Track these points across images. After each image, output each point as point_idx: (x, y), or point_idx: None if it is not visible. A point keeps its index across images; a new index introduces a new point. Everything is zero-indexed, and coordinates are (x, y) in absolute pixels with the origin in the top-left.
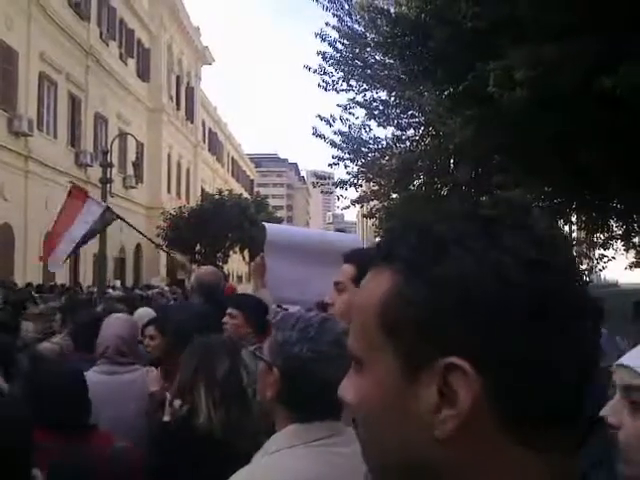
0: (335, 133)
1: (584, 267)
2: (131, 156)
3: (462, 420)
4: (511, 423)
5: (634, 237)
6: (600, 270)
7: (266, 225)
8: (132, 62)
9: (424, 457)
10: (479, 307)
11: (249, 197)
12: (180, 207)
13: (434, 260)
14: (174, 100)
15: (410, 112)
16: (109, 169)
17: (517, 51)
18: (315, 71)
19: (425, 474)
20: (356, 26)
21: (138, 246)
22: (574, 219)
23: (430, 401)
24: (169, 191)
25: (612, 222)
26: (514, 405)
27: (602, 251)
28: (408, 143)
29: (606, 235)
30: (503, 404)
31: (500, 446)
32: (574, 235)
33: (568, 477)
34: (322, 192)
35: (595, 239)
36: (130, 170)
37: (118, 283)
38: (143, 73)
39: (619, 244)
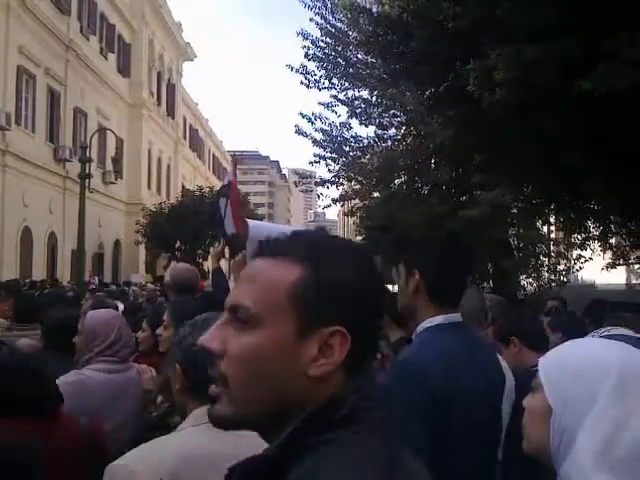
0: (317, 130)
1: (562, 267)
2: (111, 152)
3: (332, 367)
4: (351, 368)
5: (611, 238)
6: (577, 270)
7: (249, 222)
8: (113, 57)
9: (297, 388)
10: (351, 297)
11: None
12: (160, 203)
13: (329, 264)
14: (155, 96)
15: (392, 111)
16: (88, 164)
17: (497, 52)
18: (297, 70)
19: (292, 400)
20: (339, 24)
21: (117, 242)
22: (552, 219)
23: (312, 353)
24: (149, 187)
25: (589, 223)
26: (358, 359)
27: (579, 252)
28: (389, 142)
29: (583, 236)
30: (353, 358)
31: (341, 379)
32: (552, 235)
33: (365, 385)
34: (302, 191)
35: (573, 240)
36: (109, 166)
37: (96, 279)
38: (124, 68)
39: (596, 245)
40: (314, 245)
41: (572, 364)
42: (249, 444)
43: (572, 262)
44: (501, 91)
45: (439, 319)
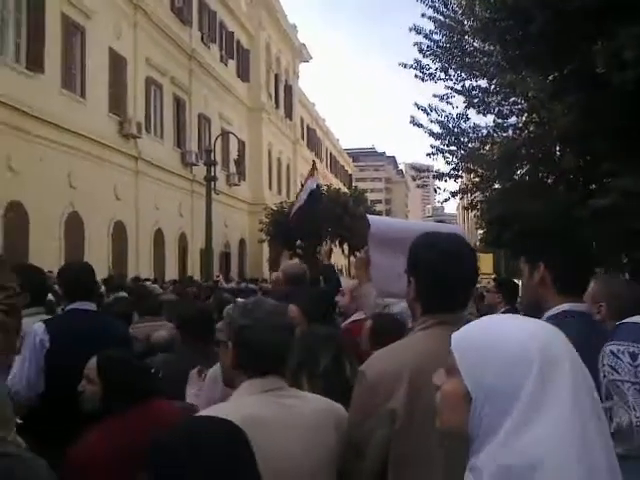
0: (432, 122)
1: None
2: (233, 155)
3: None
4: None
5: None
6: None
7: (369, 217)
8: (232, 63)
9: None
10: None
11: (347, 192)
12: (281, 203)
13: None
14: (273, 99)
15: (512, 99)
16: (213, 167)
17: (626, 30)
18: (411, 66)
19: None
20: (452, 14)
21: (242, 241)
22: None
23: None
24: (270, 187)
25: None
26: None
27: None
28: (510, 131)
29: None
30: None
31: None
32: None
33: None
34: (418, 186)
35: None
36: (233, 168)
37: (220, 277)
38: (243, 73)
39: None
40: None
41: (492, 353)
42: (290, 410)
43: None
44: (632, 70)
45: (565, 306)
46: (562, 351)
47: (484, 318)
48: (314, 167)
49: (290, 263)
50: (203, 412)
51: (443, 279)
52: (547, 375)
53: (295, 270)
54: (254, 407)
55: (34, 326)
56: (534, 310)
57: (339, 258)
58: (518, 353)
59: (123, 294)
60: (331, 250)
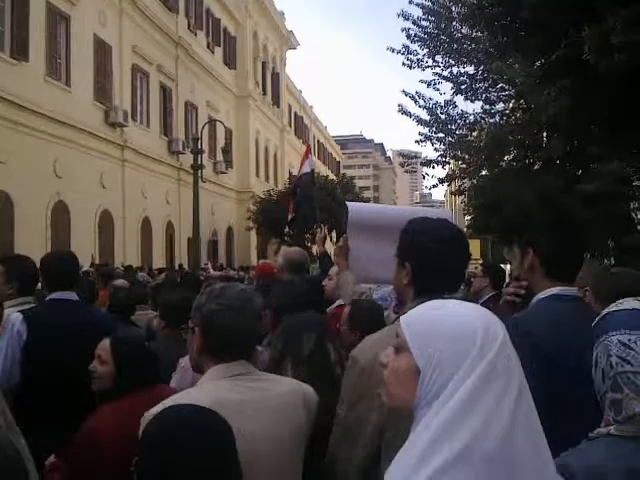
0: (420, 107)
1: None
2: (220, 142)
3: None
4: None
5: None
6: None
7: (348, 204)
8: (219, 50)
9: None
10: None
11: (335, 179)
12: (269, 190)
13: None
14: (260, 86)
15: (499, 85)
16: (200, 155)
17: (614, 15)
18: (399, 52)
19: None
20: (440, 1)
21: (229, 229)
22: None
23: None
24: (258, 175)
25: None
26: None
27: None
28: (498, 117)
29: None
30: None
31: None
32: None
33: None
34: (406, 172)
35: None
36: (220, 156)
37: (209, 265)
38: (230, 61)
39: None
40: None
41: (440, 330)
42: (257, 393)
43: None
44: (620, 56)
45: (554, 290)
46: (499, 331)
47: (431, 302)
48: (308, 150)
49: (291, 249)
50: (171, 398)
51: (438, 264)
52: (486, 354)
53: (296, 256)
54: (222, 391)
55: (11, 316)
56: (525, 293)
57: (328, 246)
58: (463, 335)
59: (122, 282)
60: (326, 237)
